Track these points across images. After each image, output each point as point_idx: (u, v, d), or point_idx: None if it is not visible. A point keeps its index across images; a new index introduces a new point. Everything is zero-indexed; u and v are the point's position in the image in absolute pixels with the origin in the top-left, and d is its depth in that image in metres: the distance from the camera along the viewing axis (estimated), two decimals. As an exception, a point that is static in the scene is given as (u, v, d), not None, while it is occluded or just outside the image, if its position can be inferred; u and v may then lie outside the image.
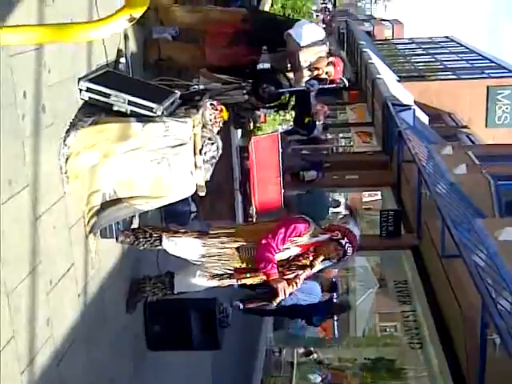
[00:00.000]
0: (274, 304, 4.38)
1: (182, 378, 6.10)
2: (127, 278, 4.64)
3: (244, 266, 4.35)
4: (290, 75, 4.97)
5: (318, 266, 4.28)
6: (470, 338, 9.53)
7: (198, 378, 6.84)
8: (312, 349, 12.80)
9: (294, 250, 4.29)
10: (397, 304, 13.55)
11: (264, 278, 4.28)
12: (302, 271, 4.27)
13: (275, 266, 4.20)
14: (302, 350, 12.74)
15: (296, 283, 4.25)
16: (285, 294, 4.24)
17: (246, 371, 9.99)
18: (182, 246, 4.39)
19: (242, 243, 4.32)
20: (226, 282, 4.43)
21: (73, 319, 3.69)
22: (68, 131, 3.68)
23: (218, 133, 4.26)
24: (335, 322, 14.14)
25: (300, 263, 4.29)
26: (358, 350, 13.37)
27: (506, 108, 24.47)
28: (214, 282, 4.52)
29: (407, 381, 12.47)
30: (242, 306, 8.44)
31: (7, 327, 2.98)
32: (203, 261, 4.38)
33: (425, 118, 20.42)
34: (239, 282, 4.39)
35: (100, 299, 4.10)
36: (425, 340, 11.86)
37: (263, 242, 4.19)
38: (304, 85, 5.04)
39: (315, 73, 5.12)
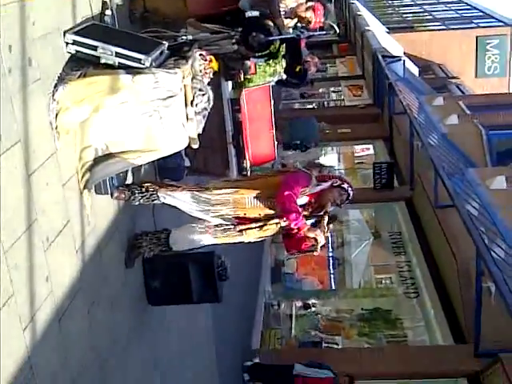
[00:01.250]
0: (318, 252, 4.37)
1: (184, 331, 6.14)
2: (124, 235, 4.61)
3: (252, 215, 4.35)
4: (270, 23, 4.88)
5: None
6: (465, 287, 9.65)
7: (200, 332, 6.90)
8: (310, 302, 12.93)
9: (303, 200, 4.35)
10: (392, 255, 13.66)
11: (271, 227, 4.33)
12: (322, 219, 4.33)
13: (303, 216, 4.26)
14: (300, 304, 12.88)
15: (325, 228, 4.31)
16: (323, 239, 4.31)
17: (246, 324, 10.09)
18: (181, 198, 4.36)
19: (248, 194, 4.33)
20: (227, 235, 4.41)
21: (72, 276, 3.68)
22: (56, 86, 3.60)
23: (209, 84, 4.19)
24: (331, 275, 14.29)
25: (307, 213, 4.36)
26: (355, 302, 13.50)
27: (496, 58, 24.34)
28: (211, 239, 4.51)
29: (404, 330, 12.64)
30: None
31: (6, 285, 2.96)
32: (205, 209, 4.35)
33: (415, 70, 20.28)
34: (245, 233, 4.38)
35: (98, 256, 4.08)
36: (420, 290, 11.99)
37: (286, 193, 4.21)
38: (292, 32, 4.98)
39: (295, 20, 5.10)
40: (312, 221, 4.41)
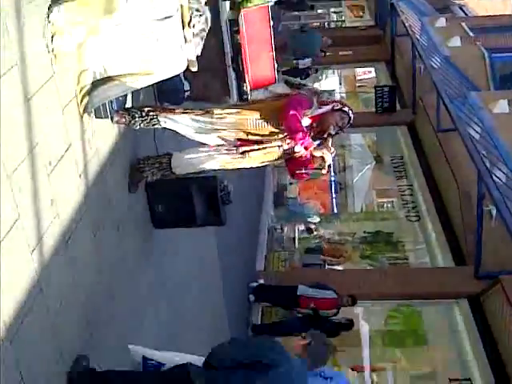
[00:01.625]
0: (325, 171, 4.40)
1: (189, 254, 6.24)
2: (126, 159, 4.61)
3: (254, 138, 4.33)
4: None
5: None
6: (467, 210, 9.74)
7: (205, 255, 7.01)
8: (313, 226, 13.09)
9: (306, 122, 4.33)
10: (393, 179, 13.71)
11: (274, 149, 4.34)
12: (326, 140, 4.34)
13: (309, 136, 4.26)
14: (303, 227, 13.05)
15: (330, 149, 4.32)
16: (330, 159, 4.32)
17: (250, 248, 10.25)
18: (181, 121, 4.33)
19: (250, 116, 4.31)
20: (230, 159, 4.41)
21: (76, 200, 3.70)
22: (50, 7, 3.51)
23: (206, 4, 4.09)
24: (333, 200, 14.39)
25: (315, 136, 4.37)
26: (357, 225, 13.69)
27: (499, -23, 23.58)
28: (213, 163, 4.50)
29: (405, 253, 12.84)
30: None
31: (12, 208, 2.98)
32: (207, 131, 4.32)
33: (417, -10, 19.72)
34: (247, 155, 4.37)
35: (102, 180, 4.09)
36: (422, 213, 12.11)
37: (291, 113, 4.21)
38: None
39: None
40: (317, 143, 4.41)
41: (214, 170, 4.66)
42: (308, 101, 4.38)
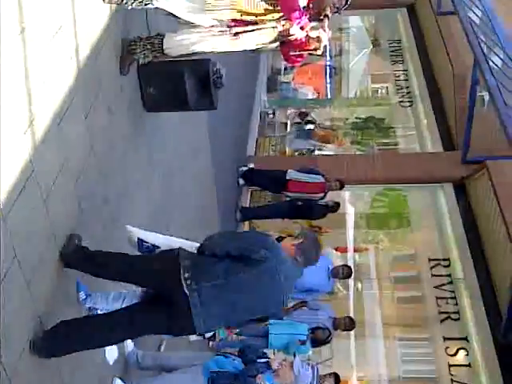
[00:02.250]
0: (320, 52, 4.37)
1: (181, 137, 6.29)
2: (118, 40, 4.54)
3: (248, 18, 4.26)
4: None
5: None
6: (460, 96, 9.72)
7: (196, 138, 7.06)
8: (305, 110, 13.04)
9: (302, 1, 4.25)
10: (389, 64, 13.54)
11: (268, 30, 4.28)
12: (322, 22, 4.31)
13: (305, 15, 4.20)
14: (295, 111, 13.00)
15: (326, 29, 4.30)
16: (325, 39, 4.33)
17: (242, 132, 10.30)
18: (174, 0, 4.21)
19: None
20: (222, 40, 4.34)
21: (68, 81, 3.70)
22: None
23: None
24: (328, 85, 14.25)
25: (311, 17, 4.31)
26: (350, 110, 13.65)
27: None
28: (206, 44, 4.43)
29: (396, 139, 12.94)
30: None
31: (4, 90, 3.00)
32: (200, 10, 4.23)
33: None
34: (241, 36, 4.29)
35: (92, 62, 4.06)
36: (415, 98, 12.09)
37: None
38: None
39: None
40: (312, 24, 4.36)
41: (206, 53, 4.60)
42: None
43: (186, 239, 3.83)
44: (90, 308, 3.84)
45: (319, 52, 4.41)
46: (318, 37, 4.28)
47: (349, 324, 7.01)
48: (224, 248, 3.30)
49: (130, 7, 4.29)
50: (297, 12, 4.14)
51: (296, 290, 7.18)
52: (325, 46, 4.47)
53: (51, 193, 3.42)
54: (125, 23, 4.66)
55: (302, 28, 4.23)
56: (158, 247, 3.72)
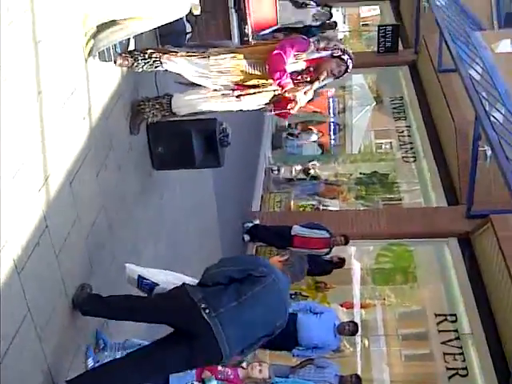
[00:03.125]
0: (295, 111, 4.50)
1: (188, 194, 6.41)
2: (128, 101, 4.72)
3: (248, 82, 4.42)
4: None
5: (323, 81, 4.46)
6: (462, 151, 9.88)
7: (202, 195, 7.18)
8: (309, 165, 13.21)
9: (299, 65, 4.39)
10: (392, 120, 13.78)
11: (269, 92, 4.41)
12: (312, 84, 4.42)
13: (289, 75, 4.31)
14: (299, 168, 13.17)
15: (310, 92, 4.41)
16: (302, 101, 4.41)
17: (247, 189, 10.41)
18: (182, 64, 4.41)
19: (246, 60, 4.37)
20: (227, 100, 4.51)
21: (80, 141, 3.84)
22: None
23: None
24: (332, 141, 14.50)
25: (303, 79, 4.43)
26: (354, 166, 13.82)
27: None
28: (211, 104, 4.60)
29: (400, 194, 13.05)
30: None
31: (20, 150, 3.14)
32: (205, 75, 4.41)
33: None
34: (243, 98, 4.46)
35: (104, 122, 4.22)
36: (418, 154, 12.25)
37: (275, 52, 4.26)
38: None
39: None
40: (318, 85, 4.49)
41: (212, 112, 4.77)
42: (303, 42, 4.41)
43: (185, 274, 3.97)
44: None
45: (292, 111, 4.52)
46: (294, 97, 4.37)
47: (355, 382, 6.94)
48: (226, 274, 3.50)
49: (140, 70, 4.48)
50: (278, 73, 4.26)
51: (303, 348, 7.17)
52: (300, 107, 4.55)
53: (63, 247, 3.51)
54: (135, 85, 4.85)
55: (281, 87, 4.33)
56: (157, 284, 3.87)
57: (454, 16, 13.10)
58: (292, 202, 11.81)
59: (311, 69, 4.46)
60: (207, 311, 3.32)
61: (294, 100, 4.38)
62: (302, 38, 4.52)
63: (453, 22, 12.49)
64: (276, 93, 4.44)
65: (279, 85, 4.32)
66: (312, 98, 4.58)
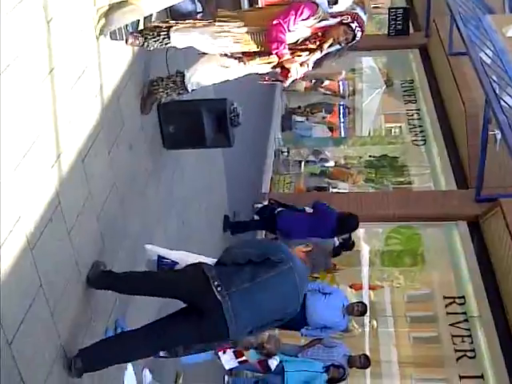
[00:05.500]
0: (287, 83, 4.44)
1: (198, 174, 6.44)
2: (139, 81, 4.74)
3: (254, 49, 4.36)
4: None
5: (327, 49, 4.35)
6: (472, 135, 9.86)
7: (212, 175, 7.21)
8: (319, 149, 13.21)
9: (304, 32, 4.30)
10: (402, 104, 13.73)
11: (275, 60, 4.35)
12: (311, 53, 4.34)
13: (287, 46, 4.25)
14: (309, 151, 13.17)
15: (308, 64, 4.35)
16: (297, 74, 4.36)
17: (257, 170, 10.44)
18: (190, 36, 4.39)
19: (250, 27, 4.30)
20: (236, 67, 4.46)
21: (92, 120, 3.87)
22: None
23: None
24: (342, 124, 14.45)
25: (309, 47, 4.34)
26: (364, 149, 13.80)
27: None
28: (224, 71, 4.57)
29: (410, 177, 13.03)
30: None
31: (33, 127, 3.17)
32: (213, 44, 4.37)
33: None
34: (248, 63, 4.40)
35: (115, 101, 4.25)
36: (428, 137, 12.24)
37: (274, 22, 4.18)
38: None
39: None
40: (320, 54, 4.38)
41: (225, 81, 4.74)
42: (310, 7, 4.24)
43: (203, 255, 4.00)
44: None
45: (284, 84, 4.49)
46: (290, 68, 4.32)
47: (364, 362, 7.00)
48: (246, 256, 3.52)
49: (151, 48, 4.49)
50: (276, 43, 4.21)
51: (311, 327, 7.22)
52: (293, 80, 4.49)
53: (75, 225, 3.55)
54: (146, 64, 4.86)
55: (278, 57, 4.28)
56: (177, 263, 3.94)
57: (465, -1, 13.01)
58: (301, 184, 11.83)
59: (319, 34, 4.33)
60: (219, 289, 3.37)
61: (289, 72, 4.33)
62: (312, 2, 4.30)
63: (464, 5, 12.40)
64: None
65: (276, 55, 4.27)
66: (319, 65, 4.48)
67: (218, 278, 3.42)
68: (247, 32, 4.30)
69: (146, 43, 4.43)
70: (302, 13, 4.21)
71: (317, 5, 4.28)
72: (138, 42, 4.41)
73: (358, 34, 4.30)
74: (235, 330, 3.42)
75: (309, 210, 7.87)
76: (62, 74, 3.48)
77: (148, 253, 4.09)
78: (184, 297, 3.57)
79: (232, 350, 5.45)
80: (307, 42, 4.35)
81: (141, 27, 4.54)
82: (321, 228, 7.41)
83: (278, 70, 4.48)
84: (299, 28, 4.27)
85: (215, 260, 3.67)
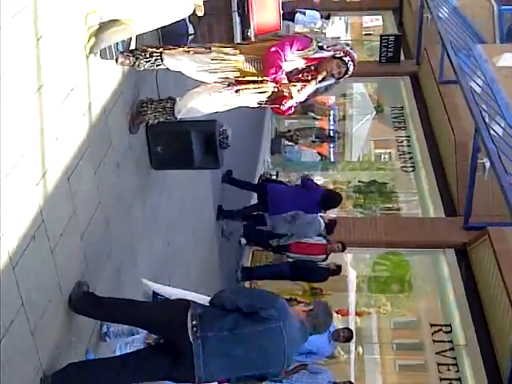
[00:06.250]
0: (284, 107, 4.45)
1: (185, 195, 6.41)
2: (128, 101, 4.72)
3: (250, 77, 4.40)
4: None
5: (320, 81, 4.42)
6: (461, 163, 9.91)
7: (200, 197, 7.18)
8: (307, 173, 13.23)
9: (298, 63, 4.38)
10: (392, 130, 13.82)
11: (269, 89, 4.40)
12: (307, 83, 4.39)
13: (284, 72, 4.30)
14: (298, 175, 13.18)
15: (303, 92, 4.38)
16: (292, 97, 4.37)
17: (245, 194, 10.37)
18: (183, 61, 4.41)
19: (247, 55, 4.35)
20: (227, 94, 4.49)
21: (79, 137, 3.84)
22: None
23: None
24: (331, 148, 14.51)
25: (303, 78, 4.41)
26: (353, 174, 13.85)
27: None
28: (214, 102, 4.58)
29: (398, 203, 13.07)
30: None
31: (19, 144, 3.14)
32: (205, 69, 4.40)
33: None
34: (242, 93, 4.44)
35: (103, 120, 4.23)
36: (417, 164, 12.29)
37: (272, 49, 4.26)
38: None
39: None
40: (315, 85, 4.44)
41: (214, 113, 4.76)
42: (305, 40, 4.37)
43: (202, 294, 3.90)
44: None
45: (283, 108, 4.46)
46: (289, 92, 4.35)
47: (349, 389, 6.95)
48: (235, 303, 3.38)
49: (142, 68, 4.49)
50: (274, 68, 4.26)
51: (297, 353, 7.15)
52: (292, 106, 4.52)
53: (59, 243, 3.50)
54: (136, 84, 4.85)
55: (276, 82, 4.32)
56: None
57: (456, 28, 13.17)
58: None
59: (312, 67, 4.43)
60: (194, 329, 3.25)
61: (287, 96, 4.35)
62: (304, 35, 4.50)
63: (455, 34, 12.57)
64: (275, 90, 4.42)
65: (274, 80, 4.30)
66: (309, 98, 4.55)
67: (198, 317, 3.29)
68: (245, 60, 4.35)
69: (136, 63, 4.42)
70: (296, 44, 4.31)
71: (311, 39, 4.39)
72: (128, 61, 4.40)
73: (351, 68, 4.40)
74: (203, 375, 3.29)
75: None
76: (51, 91, 3.46)
77: (144, 286, 4.02)
78: (159, 330, 3.48)
79: None
80: (301, 74, 4.42)
81: (132, 47, 4.54)
82: (307, 200, 7.98)
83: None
84: (294, 59, 4.35)
85: (208, 299, 3.55)
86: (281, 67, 4.27)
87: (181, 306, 3.39)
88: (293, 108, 4.54)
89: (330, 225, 8.63)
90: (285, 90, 4.33)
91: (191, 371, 3.26)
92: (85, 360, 3.63)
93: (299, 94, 4.37)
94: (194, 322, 3.26)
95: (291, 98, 4.36)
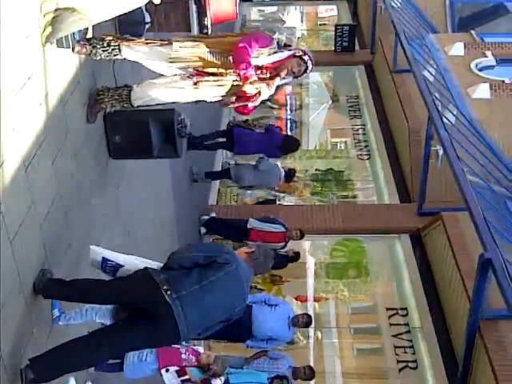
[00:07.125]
0: (257, 102, 4.53)
1: (144, 185, 6.39)
2: (85, 90, 4.68)
3: (213, 69, 4.43)
4: None
5: (283, 79, 4.56)
6: (415, 150, 10.11)
7: (159, 186, 7.16)
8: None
9: (261, 60, 4.45)
10: (348, 119, 13.97)
11: (227, 83, 4.44)
12: (271, 80, 4.48)
13: (253, 68, 4.37)
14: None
15: (272, 86, 4.48)
16: (261, 95, 4.46)
17: (204, 182, 10.41)
18: (141, 52, 4.40)
19: (212, 49, 4.40)
20: (185, 86, 4.49)
21: (37, 128, 3.81)
22: None
23: None
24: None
25: (265, 76, 4.50)
26: (310, 163, 13.97)
27: None
28: (170, 94, 4.59)
29: (354, 191, 13.25)
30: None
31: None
32: (163, 61, 4.41)
33: None
34: (200, 85, 4.46)
35: (61, 109, 4.19)
36: (373, 152, 12.47)
37: (240, 45, 4.31)
38: None
39: None
40: (277, 83, 4.55)
41: (172, 103, 4.77)
42: (267, 38, 4.49)
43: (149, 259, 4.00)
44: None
45: (254, 104, 4.56)
46: (258, 88, 4.44)
47: (308, 373, 7.04)
48: (192, 260, 3.65)
49: (98, 58, 4.45)
50: (244, 64, 4.32)
51: (257, 339, 7.23)
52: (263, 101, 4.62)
53: (18, 234, 3.47)
54: (93, 73, 4.81)
55: (246, 78, 4.39)
56: (121, 266, 3.92)
57: (409, 18, 13.39)
58: (248, 197, 11.85)
59: (270, 66, 4.51)
60: (168, 292, 3.45)
61: (256, 93, 4.44)
62: (265, 34, 4.62)
63: (408, 23, 12.77)
64: (235, 83, 4.46)
65: (244, 76, 4.36)
66: (272, 94, 4.65)
67: (166, 282, 3.49)
68: (209, 52, 4.39)
69: (93, 52, 4.39)
70: (260, 41, 4.41)
71: (272, 38, 4.52)
72: (85, 50, 4.37)
73: (310, 67, 4.55)
74: (186, 332, 3.52)
75: None
76: (7, 81, 3.42)
77: (93, 253, 4.04)
78: (134, 303, 3.62)
79: (175, 368, 5.39)
80: (259, 72, 4.48)
81: (89, 35, 4.50)
82: (269, 143, 9.01)
83: (233, 98, 4.54)
84: (256, 56, 4.41)
85: (161, 264, 3.74)
86: (250, 63, 4.33)
87: (144, 277, 3.57)
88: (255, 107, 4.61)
89: (290, 173, 9.35)
90: (255, 87, 4.41)
91: (175, 330, 3.47)
92: (61, 344, 3.64)
93: (268, 90, 4.44)
94: (165, 287, 3.47)
95: (259, 95, 4.43)
